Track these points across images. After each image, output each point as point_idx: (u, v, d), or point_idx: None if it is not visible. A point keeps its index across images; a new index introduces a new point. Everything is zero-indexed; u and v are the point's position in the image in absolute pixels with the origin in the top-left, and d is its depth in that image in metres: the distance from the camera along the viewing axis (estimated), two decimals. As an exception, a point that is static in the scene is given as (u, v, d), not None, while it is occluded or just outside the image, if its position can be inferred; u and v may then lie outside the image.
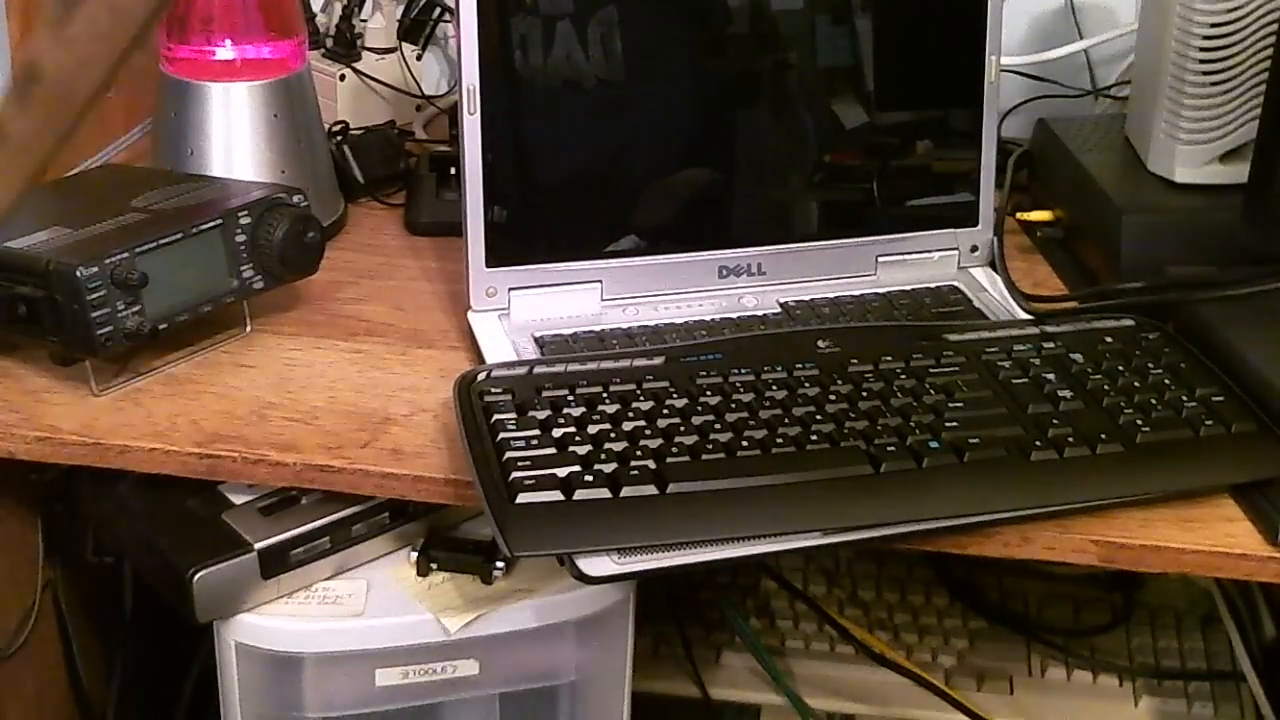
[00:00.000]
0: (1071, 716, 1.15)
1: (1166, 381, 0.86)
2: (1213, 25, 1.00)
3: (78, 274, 0.84)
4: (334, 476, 0.84)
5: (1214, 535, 0.79)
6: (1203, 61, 1.01)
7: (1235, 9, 0.99)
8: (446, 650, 0.91)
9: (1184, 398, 0.85)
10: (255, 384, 0.92)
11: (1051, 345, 0.90)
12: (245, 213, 0.93)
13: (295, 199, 0.96)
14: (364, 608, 0.90)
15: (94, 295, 0.85)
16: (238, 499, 0.92)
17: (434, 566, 0.93)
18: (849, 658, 1.18)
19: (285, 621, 0.89)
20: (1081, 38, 1.28)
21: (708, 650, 1.20)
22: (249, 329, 0.98)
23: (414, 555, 0.93)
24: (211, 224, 0.92)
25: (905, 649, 1.19)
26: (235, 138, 1.07)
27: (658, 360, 0.87)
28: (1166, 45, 1.03)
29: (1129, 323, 0.93)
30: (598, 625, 0.94)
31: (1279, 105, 0.93)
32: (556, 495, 0.76)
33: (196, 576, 0.86)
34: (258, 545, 0.88)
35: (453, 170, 1.12)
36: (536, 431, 0.80)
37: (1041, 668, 1.18)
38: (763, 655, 1.16)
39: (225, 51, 1.08)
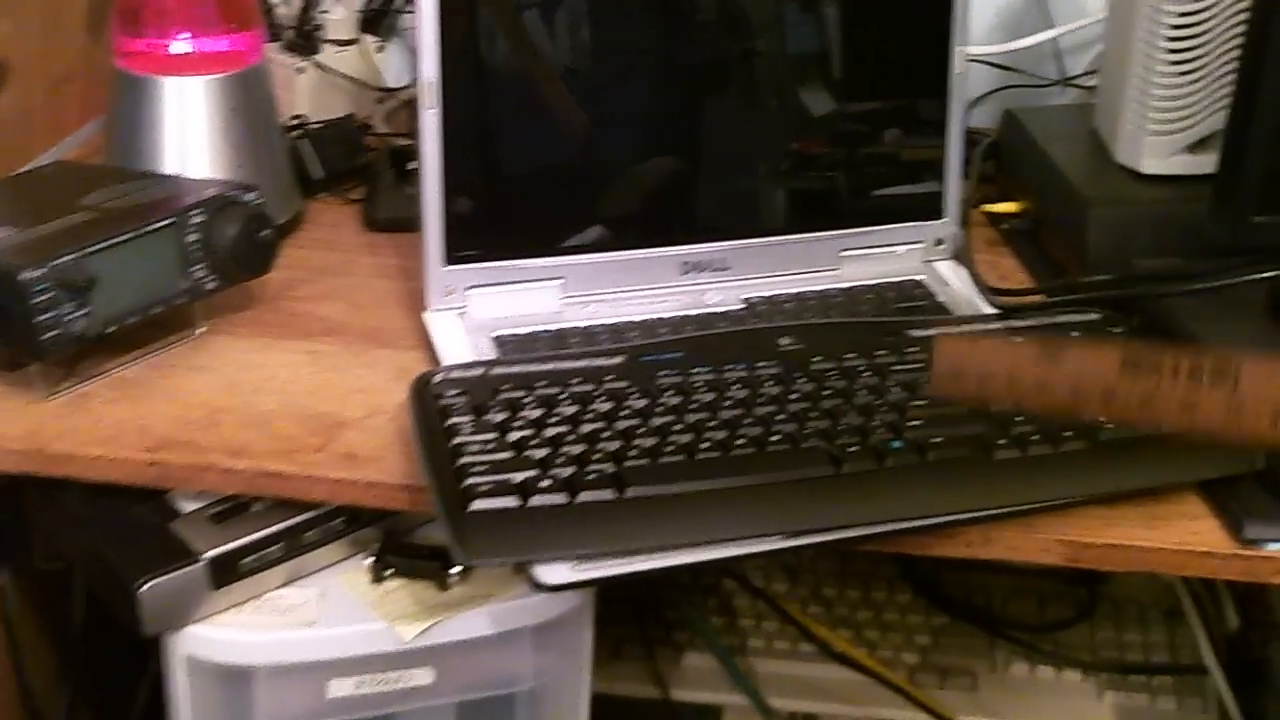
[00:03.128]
0: (1035, 713, 1.14)
1: (1133, 377, 0.85)
2: (1181, 15, 0.99)
3: (21, 278, 0.82)
4: (286, 483, 0.83)
5: (1179, 533, 0.78)
6: (1171, 51, 1.00)
7: (1203, -2, 0.98)
8: (401, 659, 0.89)
9: (1150, 394, 0.83)
10: (207, 387, 0.90)
11: (1017, 340, 0.89)
12: (198, 211, 0.92)
13: (249, 197, 0.95)
14: (316, 617, 0.89)
15: (39, 299, 0.83)
16: (188, 506, 0.90)
17: (389, 573, 0.91)
18: (811, 656, 1.17)
19: (235, 633, 0.88)
20: (1051, 26, 1.27)
21: (670, 651, 1.19)
22: (202, 330, 0.96)
23: (369, 561, 0.92)
24: (163, 223, 0.90)
25: (868, 646, 1.18)
26: (190, 133, 1.05)
27: (618, 359, 0.86)
28: (1135, 35, 1.02)
29: (1095, 316, 0.92)
30: (556, 631, 0.93)
31: (1249, 95, 0.92)
32: (512, 501, 0.75)
33: (143, 588, 0.84)
34: (207, 555, 0.86)
35: (411, 165, 1.11)
36: (493, 434, 0.79)
37: (1005, 664, 1.17)
38: (724, 655, 1.15)
39: (180, 45, 1.05)
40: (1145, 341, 0.88)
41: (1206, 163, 1.00)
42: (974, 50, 1.13)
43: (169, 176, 1.01)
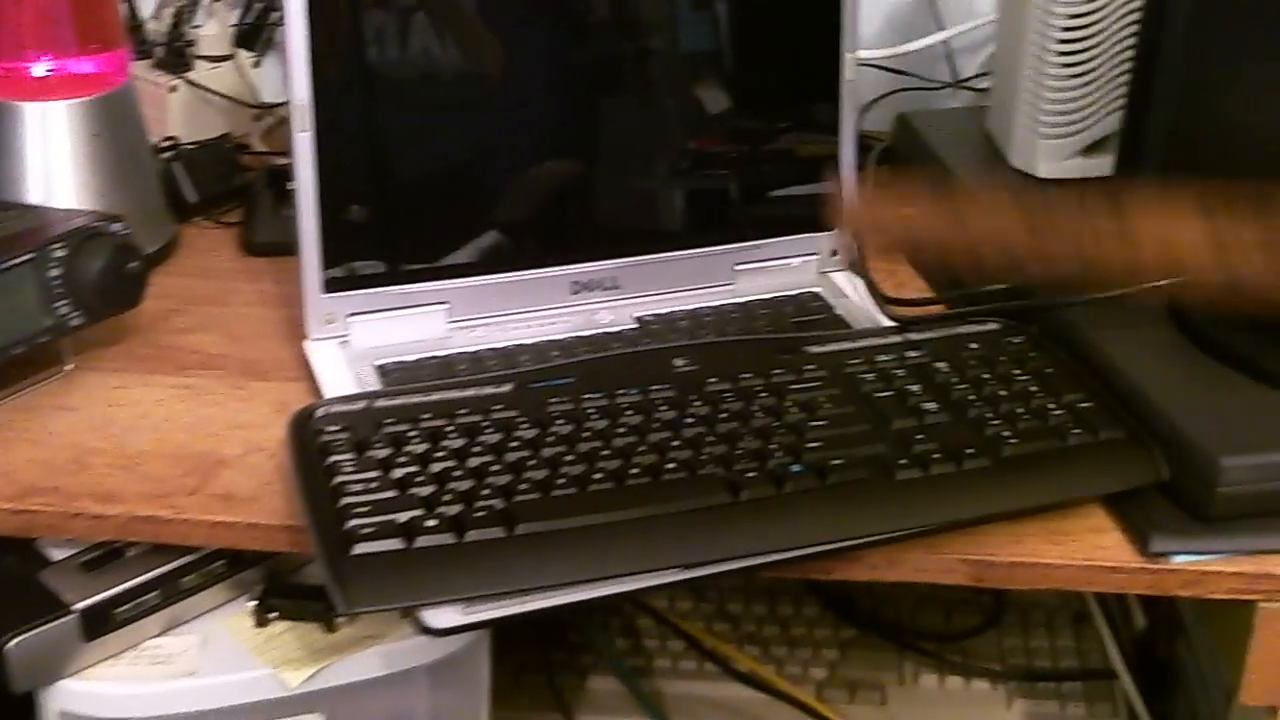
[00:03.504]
0: (944, 724, 1.13)
1: (1033, 389, 0.83)
2: (1072, 15, 0.98)
3: None
4: (161, 528, 0.79)
5: (1085, 549, 0.77)
6: (1063, 53, 0.99)
7: (1094, -1, 0.97)
8: (288, 706, 0.86)
9: (1050, 405, 0.82)
10: (76, 428, 0.86)
11: (915, 354, 0.87)
12: (60, 244, 0.87)
13: (115, 227, 0.90)
14: (197, 666, 0.85)
15: (-114, 345, 0.79)
16: (57, 554, 0.86)
17: (274, 616, 0.88)
18: (718, 676, 1.15)
19: (112, 685, 0.84)
20: (941, 29, 1.25)
21: (573, 675, 1.16)
22: (70, 367, 0.92)
23: (251, 605, 0.88)
24: (22, 259, 0.86)
25: (776, 663, 1.16)
26: (53, 161, 1.00)
27: (507, 387, 0.83)
28: (1026, 36, 1.01)
29: (994, 326, 0.90)
30: (451, 668, 0.90)
31: (1143, 97, 0.92)
32: (397, 543, 0.71)
33: (10, 644, 0.80)
34: (78, 606, 0.82)
35: (291, 185, 1.07)
36: (376, 472, 0.75)
37: (914, 675, 1.16)
38: (629, 678, 1.12)
39: (40, 67, 1.01)
40: (1044, 351, 0.87)
41: (1102, 165, 0.99)
42: (864, 54, 1.12)
43: (31, 207, 0.96)
